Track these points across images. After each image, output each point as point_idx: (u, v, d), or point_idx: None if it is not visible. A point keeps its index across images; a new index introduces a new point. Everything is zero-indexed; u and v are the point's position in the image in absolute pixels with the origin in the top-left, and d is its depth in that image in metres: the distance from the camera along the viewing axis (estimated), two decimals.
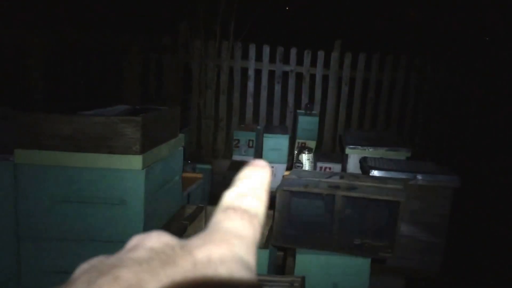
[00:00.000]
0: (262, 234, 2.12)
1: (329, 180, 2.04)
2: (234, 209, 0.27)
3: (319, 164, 4.03)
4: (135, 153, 1.60)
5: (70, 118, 1.60)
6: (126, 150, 1.60)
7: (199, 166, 3.44)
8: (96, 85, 4.56)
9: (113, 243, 1.62)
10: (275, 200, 1.90)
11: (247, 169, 0.30)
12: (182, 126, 3.94)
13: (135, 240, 0.25)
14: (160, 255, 0.23)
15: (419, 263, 2.45)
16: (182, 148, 2.13)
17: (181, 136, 2.10)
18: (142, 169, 1.61)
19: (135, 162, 1.60)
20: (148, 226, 1.68)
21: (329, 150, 5.21)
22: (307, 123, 4.40)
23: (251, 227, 0.26)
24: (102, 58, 4.62)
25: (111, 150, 1.60)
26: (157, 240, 0.25)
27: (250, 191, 0.28)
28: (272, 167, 3.97)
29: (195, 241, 0.25)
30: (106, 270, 0.22)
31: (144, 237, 0.25)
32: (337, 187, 1.92)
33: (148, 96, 4.92)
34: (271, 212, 1.95)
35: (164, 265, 0.22)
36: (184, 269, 0.22)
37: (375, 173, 2.46)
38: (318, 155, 4.32)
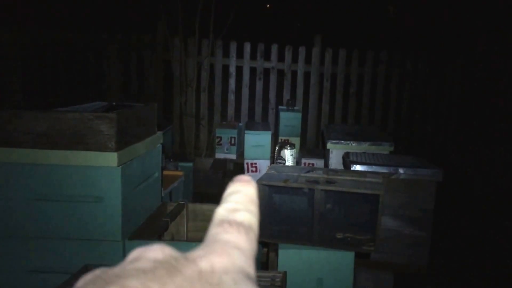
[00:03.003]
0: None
1: (308, 174, 2.03)
2: (229, 222, 0.28)
3: (303, 160, 4.02)
4: (111, 150, 1.57)
5: (44, 115, 1.57)
6: (101, 147, 1.57)
7: (181, 164, 3.42)
8: (77, 83, 4.52)
9: (90, 241, 1.59)
10: None
11: (233, 185, 0.31)
12: (167, 124, 3.94)
13: (136, 253, 0.26)
14: (164, 265, 0.23)
15: (407, 257, 2.46)
16: (161, 145, 2.11)
17: (159, 133, 2.08)
18: (118, 166, 1.59)
19: (110, 159, 1.57)
20: (126, 224, 1.65)
21: (313, 146, 5.21)
22: (289, 119, 4.39)
23: (248, 240, 0.27)
24: (83, 57, 4.57)
25: (87, 147, 1.57)
26: (160, 251, 0.25)
27: (241, 205, 0.29)
28: (256, 163, 3.96)
29: (197, 252, 0.25)
30: (112, 280, 0.22)
31: (146, 249, 0.25)
32: (315, 181, 1.91)
33: (130, 94, 4.89)
34: None
35: (171, 274, 0.23)
36: (190, 278, 0.23)
37: (357, 167, 2.45)
38: (302, 152, 4.31)
